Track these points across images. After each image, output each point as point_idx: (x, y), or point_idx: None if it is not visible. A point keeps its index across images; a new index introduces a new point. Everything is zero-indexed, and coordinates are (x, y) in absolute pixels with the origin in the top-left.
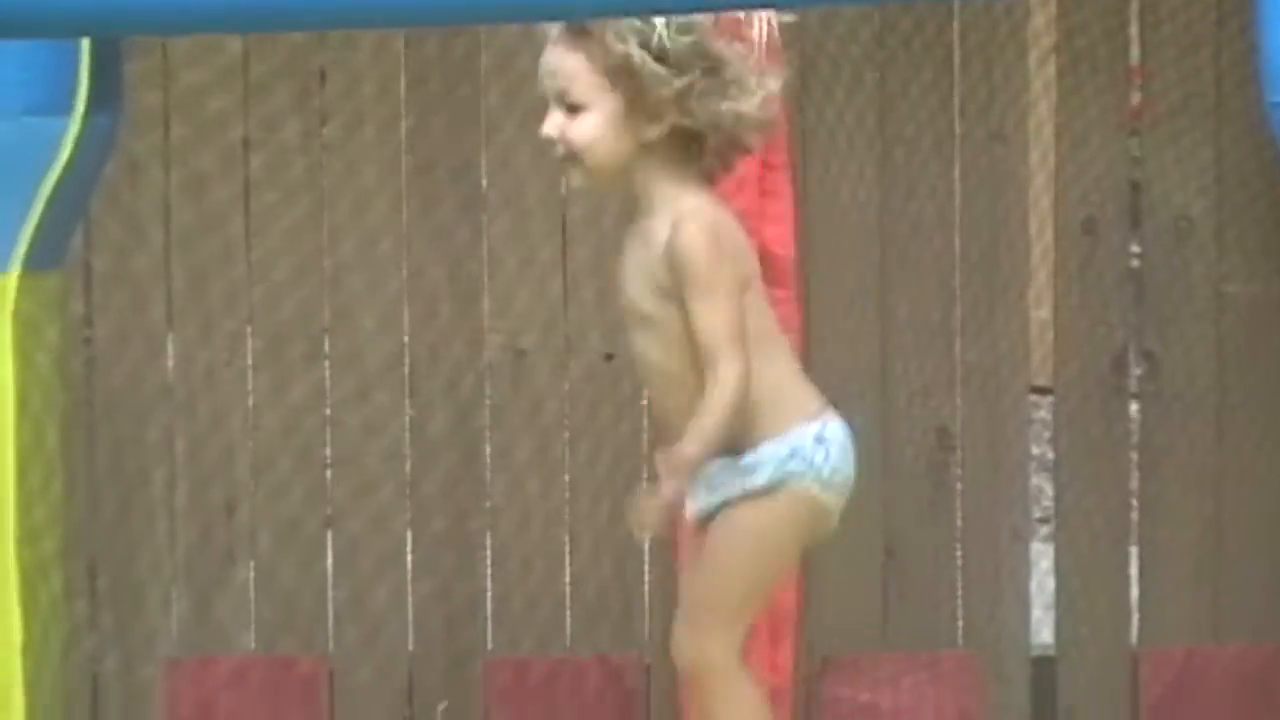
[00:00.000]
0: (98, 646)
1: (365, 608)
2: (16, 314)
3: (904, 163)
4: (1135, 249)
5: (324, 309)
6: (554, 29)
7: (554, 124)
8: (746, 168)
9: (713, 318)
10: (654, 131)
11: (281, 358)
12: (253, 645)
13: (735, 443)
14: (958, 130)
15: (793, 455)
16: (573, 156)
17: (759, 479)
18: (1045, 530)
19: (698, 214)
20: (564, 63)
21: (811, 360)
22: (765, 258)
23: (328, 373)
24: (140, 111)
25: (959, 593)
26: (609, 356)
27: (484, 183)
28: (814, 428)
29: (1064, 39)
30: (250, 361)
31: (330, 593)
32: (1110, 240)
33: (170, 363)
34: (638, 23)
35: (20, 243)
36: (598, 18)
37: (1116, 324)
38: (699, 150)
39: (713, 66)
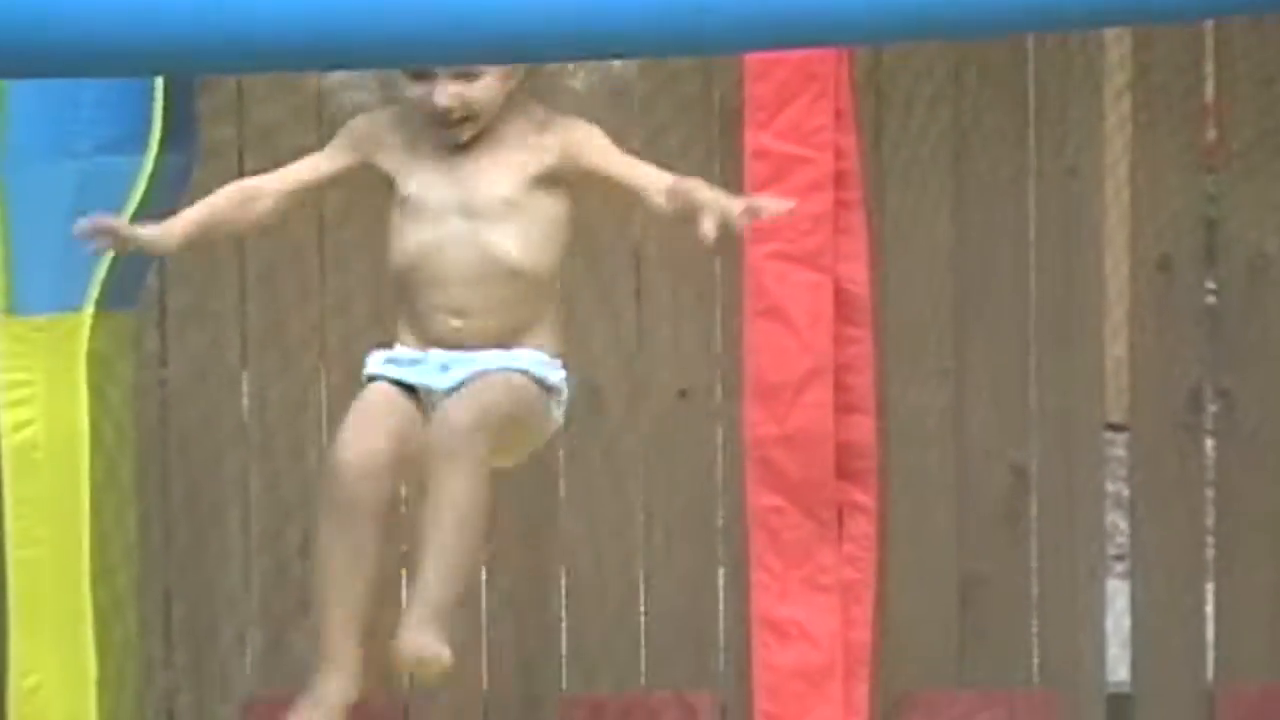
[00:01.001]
0: (172, 683)
1: None
2: (90, 352)
3: (979, 199)
4: (1210, 286)
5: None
6: None
7: (452, 93)
8: (822, 205)
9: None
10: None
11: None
12: None
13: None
14: (1033, 166)
15: (566, 384)
16: (472, 118)
17: (546, 372)
18: (1120, 567)
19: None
20: None
21: (886, 398)
22: (840, 295)
23: None
24: (214, 146)
25: (1035, 630)
26: (682, 393)
27: None
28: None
29: (1139, 75)
30: (325, 399)
31: None
32: (1185, 277)
33: (245, 400)
34: None
35: (94, 283)
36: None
37: (1192, 361)
38: None
39: None
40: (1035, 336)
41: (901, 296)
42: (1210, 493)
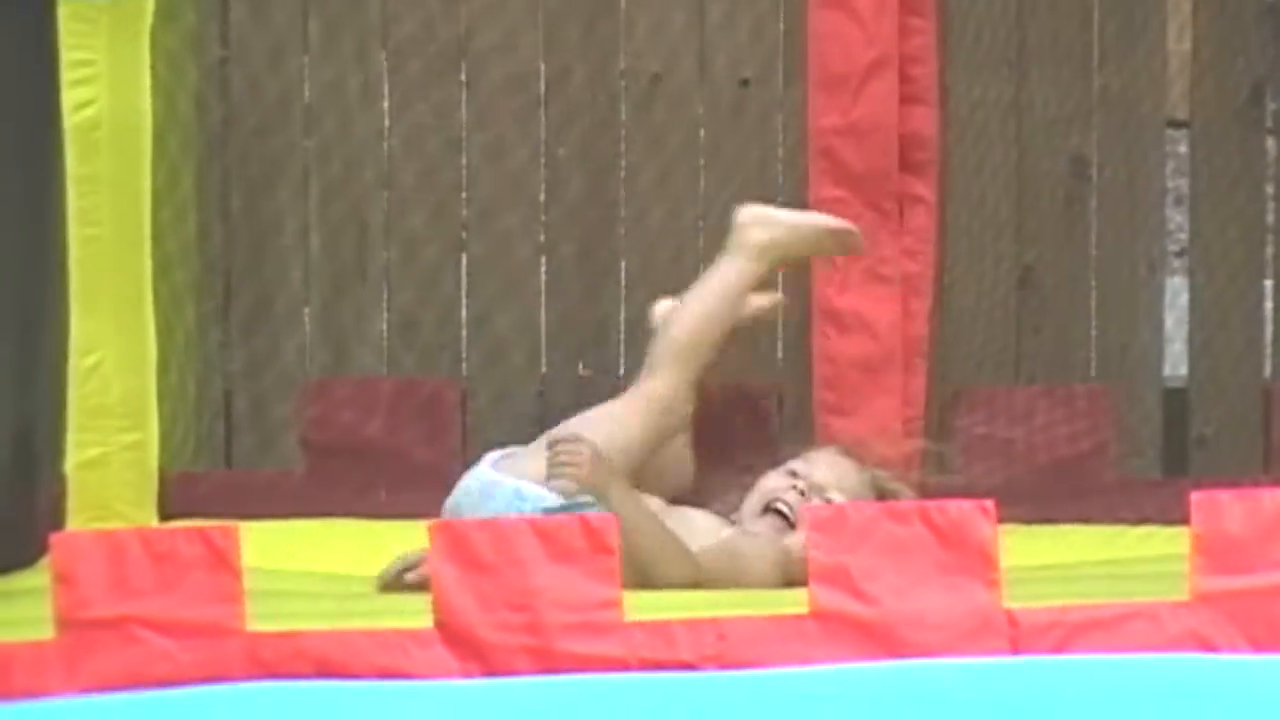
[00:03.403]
0: (232, 370)
1: (494, 330)
2: (157, 48)
3: None
4: None
5: (458, 26)
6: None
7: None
8: None
9: None
10: None
11: (413, 79)
12: (384, 370)
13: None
14: None
15: None
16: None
17: None
18: (1179, 263)
19: None
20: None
21: (948, 86)
22: None
23: (464, 94)
24: None
25: (1093, 324)
26: (744, 82)
27: None
28: None
29: None
30: (387, 86)
31: (465, 314)
32: None
33: (306, 87)
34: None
35: None
36: None
37: (1255, 57)
38: None
39: None
40: (1099, 28)
41: None
42: (1270, 189)
